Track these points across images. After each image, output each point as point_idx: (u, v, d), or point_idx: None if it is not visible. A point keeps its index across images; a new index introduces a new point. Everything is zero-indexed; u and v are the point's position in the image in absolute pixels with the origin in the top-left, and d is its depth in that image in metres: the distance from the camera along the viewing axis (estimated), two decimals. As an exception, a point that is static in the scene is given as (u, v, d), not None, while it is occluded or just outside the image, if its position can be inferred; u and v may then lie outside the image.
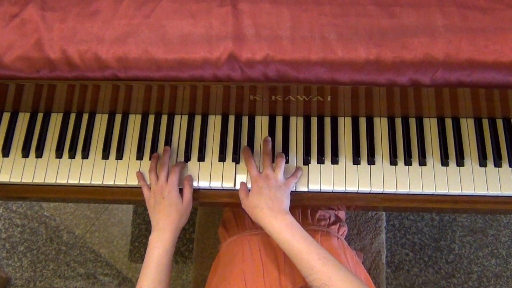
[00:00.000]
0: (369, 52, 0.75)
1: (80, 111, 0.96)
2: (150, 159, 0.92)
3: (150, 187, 0.88)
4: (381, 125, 0.93)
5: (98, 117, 0.96)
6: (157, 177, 0.88)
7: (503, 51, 0.74)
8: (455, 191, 0.88)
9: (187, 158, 0.92)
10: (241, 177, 0.91)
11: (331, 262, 0.74)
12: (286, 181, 0.86)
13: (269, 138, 0.91)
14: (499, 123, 0.92)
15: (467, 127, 0.93)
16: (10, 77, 0.80)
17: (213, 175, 0.91)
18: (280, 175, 0.86)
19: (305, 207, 1.04)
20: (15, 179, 0.92)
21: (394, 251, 1.58)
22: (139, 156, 0.92)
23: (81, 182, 0.91)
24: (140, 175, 0.90)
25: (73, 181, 0.91)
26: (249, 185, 0.89)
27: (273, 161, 0.90)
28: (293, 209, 1.01)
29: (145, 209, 1.65)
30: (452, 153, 0.91)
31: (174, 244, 0.84)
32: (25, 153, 0.93)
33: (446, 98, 0.85)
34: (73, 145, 0.93)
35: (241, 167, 0.91)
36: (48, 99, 0.91)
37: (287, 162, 0.91)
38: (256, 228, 1.00)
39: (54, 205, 1.69)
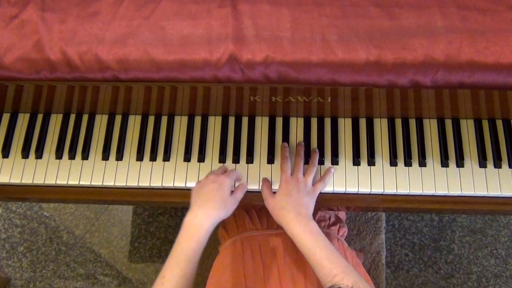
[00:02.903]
0: (370, 53, 0.75)
1: (80, 112, 0.96)
2: (150, 160, 0.92)
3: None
4: (381, 126, 0.93)
5: (98, 118, 0.95)
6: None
7: (504, 53, 0.74)
8: (455, 192, 0.88)
9: (187, 159, 0.92)
10: (241, 178, 0.91)
11: (351, 272, 0.73)
12: (314, 187, 0.86)
13: (302, 143, 0.91)
14: (499, 124, 0.93)
15: (467, 128, 0.93)
16: (10, 78, 0.80)
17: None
18: (310, 181, 0.86)
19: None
20: (15, 180, 0.92)
21: (393, 251, 1.59)
22: (139, 157, 0.92)
23: (81, 183, 0.91)
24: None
25: (73, 182, 0.91)
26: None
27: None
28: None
29: (145, 209, 1.66)
30: (452, 154, 0.91)
31: (208, 235, 0.77)
32: (25, 154, 0.93)
33: (446, 99, 0.85)
34: (73, 146, 0.93)
35: (241, 168, 0.91)
36: (48, 100, 0.91)
37: (287, 163, 0.91)
38: (256, 229, 1.00)
39: (53, 205, 1.69)
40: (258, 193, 0.89)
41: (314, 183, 0.87)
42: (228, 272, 0.91)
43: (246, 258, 0.93)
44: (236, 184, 0.89)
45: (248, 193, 0.89)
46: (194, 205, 0.80)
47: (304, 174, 0.87)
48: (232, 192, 0.86)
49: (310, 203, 0.83)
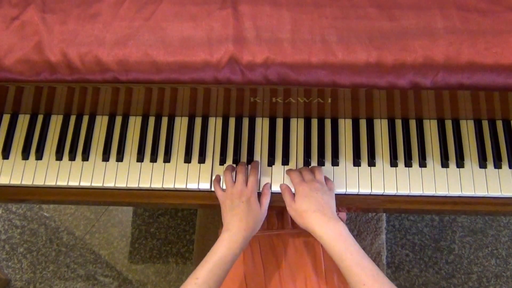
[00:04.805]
0: (370, 54, 0.75)
1: (80, 113, 0.96)
2: (150, 161, 0.92)
3: (223, 190, 0.86)
4: (381, 127, 0.93)
5: (98, 119, 0.96)
6: (233, 180, 0.85)
7: (503, 54, 0.74)
8: (455, 192, 0.88)
9: (188, 160, 0.92)
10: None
11: (382, 279, 0.71)
12: (328, 184, 0.84)
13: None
14: (499, 124, 0.93)
15: (467, 128, 0.93)
16: (10, 79, 0.80)
17: (214, 177, 0.91)
18: (322, 178, 0.84)
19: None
20: (15, 181, 0.92)
21: (394, 251, 1.59)
22: (140, 158, 0.92)
23: (82, 184, 0.91)
24: (218, 176, 0.88)
25: (73, 183, 0.91)
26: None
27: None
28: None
29: (145, 210, 1.66)
30: (452, 155, 0.91)
31: (242, 249, 0.81)
32: (25, 155, 0.93)
33: (446, 100, 0.85)
34: (73, 147, 0.93)
35: (242, 169, 0.91)
36: (48, 101, 0.91)
37: (287, 163, 0.91)
38: (256, 230, 1.00)
39: (53, 206, 1.69)
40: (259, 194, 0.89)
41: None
42: (229, 272, 0.91)
43: (246, 259, 0.93)
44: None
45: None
46: (228, 227, 0.81)
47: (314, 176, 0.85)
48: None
49: (331, 202, 0.80)
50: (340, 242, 0.74)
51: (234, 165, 0.90)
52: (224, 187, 0.87)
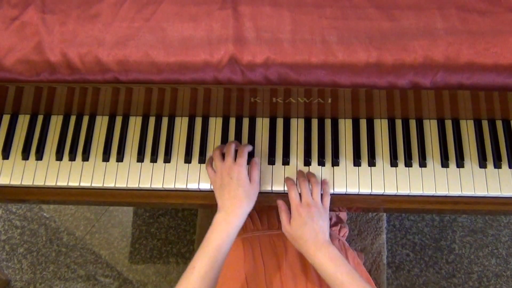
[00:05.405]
0: (370, 55, 0.75)
1: (80, 113, 0.96)
2: (150, 162, 0.92)
3: (214, 170, 0.86)
4: (381, 127, 0.93)
5: (98, 119, 0.96)
6: (223, 158, 0.85)
7: (503, 54, 0.74)
8: (455, 192, 0.88)
9: (188, 161, 0.92)
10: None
11: None
12: (324, 204, 0.85)
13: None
14: (499, 124, 0.93)
15: (467, 128, 0.93)
16: (10, 80, 0.80)
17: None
18: (319, 200, 0.84)
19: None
20: (15, 181, 0.92)
21: (394, 251, 1.59)
22: (140, 159, 0.92)
23: (82, 184, 0.91)
24: (210, 159, 0.89)
25: (73, 183, 0.91)
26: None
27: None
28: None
29: (146, 210, 1.66)
30: (452, 155, 0.91)
31: (238, 229, 0.80)
32: (25, 156, 0.93)
33: (446, 100, 0.85)
34: (73, 148, 0.93)
35: (242, 169, 0.91)
36: (48, 101, 0.91)
37: (287, 163, 0.91)
38: (257, 229, 1.00)
39: (54, 206, 1.69)
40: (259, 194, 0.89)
41: (321, 200, 0.86)
42: (230, 272, 0.91)
43: (247, 259, 0.93)
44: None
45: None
46: (223, 207, 0.81)
47: (312, 195, 0.85)
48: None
49: (325, 225, 0.82)
50: (330, 264, 0.77)
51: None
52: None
